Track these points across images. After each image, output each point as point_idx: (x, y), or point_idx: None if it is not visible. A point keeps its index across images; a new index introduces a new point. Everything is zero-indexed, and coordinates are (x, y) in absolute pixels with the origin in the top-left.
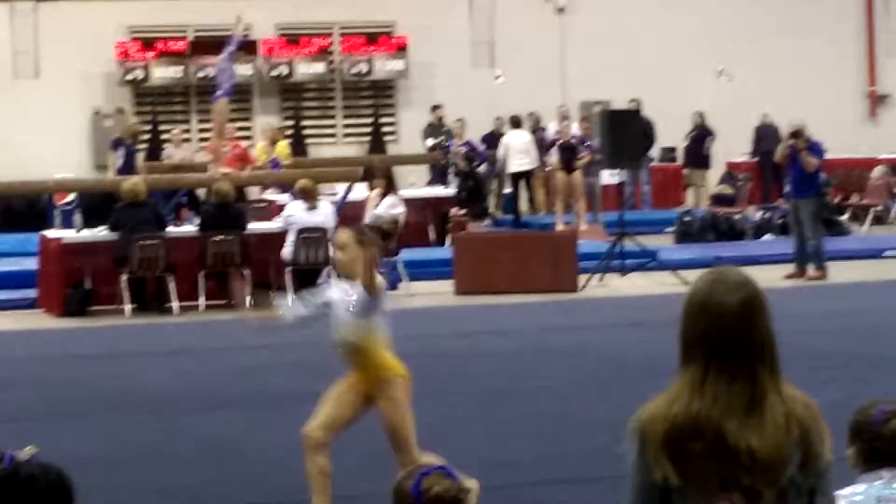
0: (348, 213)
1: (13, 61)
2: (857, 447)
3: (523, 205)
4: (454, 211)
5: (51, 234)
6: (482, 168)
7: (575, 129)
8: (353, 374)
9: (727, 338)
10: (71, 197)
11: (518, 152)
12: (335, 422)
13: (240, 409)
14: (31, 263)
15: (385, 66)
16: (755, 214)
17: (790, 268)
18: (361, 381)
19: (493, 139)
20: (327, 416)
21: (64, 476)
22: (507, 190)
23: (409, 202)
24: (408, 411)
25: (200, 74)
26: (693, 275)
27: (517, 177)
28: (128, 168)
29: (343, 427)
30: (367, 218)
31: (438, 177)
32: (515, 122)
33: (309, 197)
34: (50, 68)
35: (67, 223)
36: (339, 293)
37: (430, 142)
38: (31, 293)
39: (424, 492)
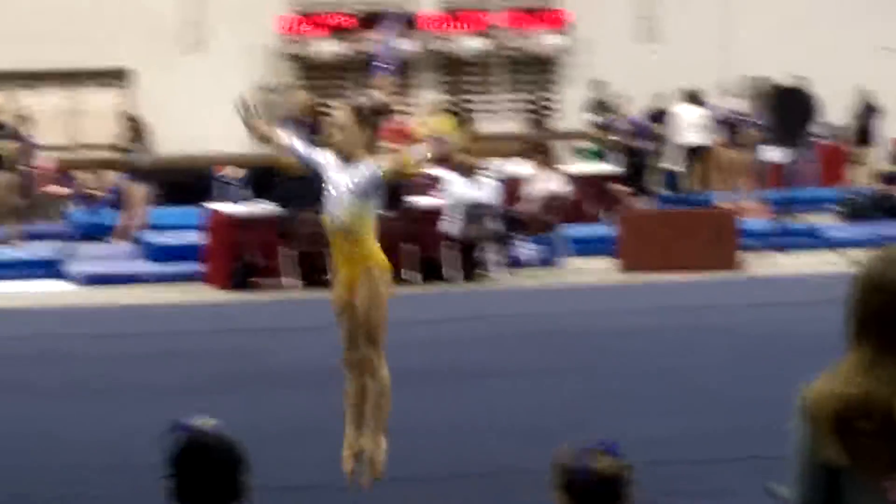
0: (510, 189)
1: (179, 36)
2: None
3: (693, 181)
4: (617, 187)
5: (217, 207)
6: (646, 144)
7: (739, 104)
8: (339, 270)
9: None
10: (238, 170)
11: (691, 126)
12: (355, 337)
13: (402, 383)
14: (197, 237)
15: (547, 41)
16: None
17: None
18: (347, 275)
19: (658, 115)
20: (347, 337)
21: (238, 447)
22: (673, 166)
23: (572, 178)
24: (387, 307)
25: (363, 50)
26: (859, 254)
27: (690, 151)
28: None
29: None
30: (530, 193)
31: (602, 153)
32: (691, 97)
33: (470, 172)
34: (215, 42)
35: (232, 197)
36: (336, 169)
37: (593, 118)
38: (197, 266)
39: (587, 467)
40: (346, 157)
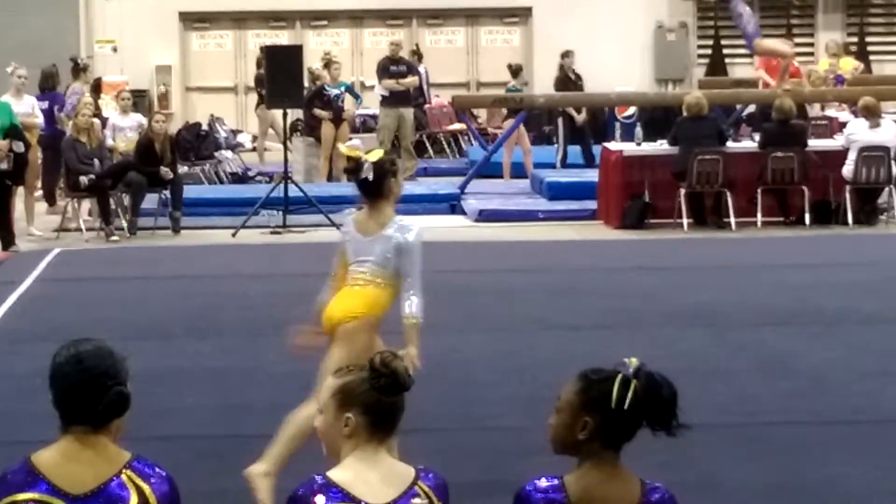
0: None
1: None
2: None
3: None
4: None
5: (612, 146)
6: None
7: None
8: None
9: None
10: (632, 110)
11: None
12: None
13: (794, 326)
14: (592, 175)
15: None
16: None
17: None
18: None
19: None
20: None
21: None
22: None
23: None
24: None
25: None
26: None
27: None
28: None
29: None
30: None
31: None
32: None
33: (872, 115)
34: None
35: (629, 136)
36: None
37: None
38: (591, 204)
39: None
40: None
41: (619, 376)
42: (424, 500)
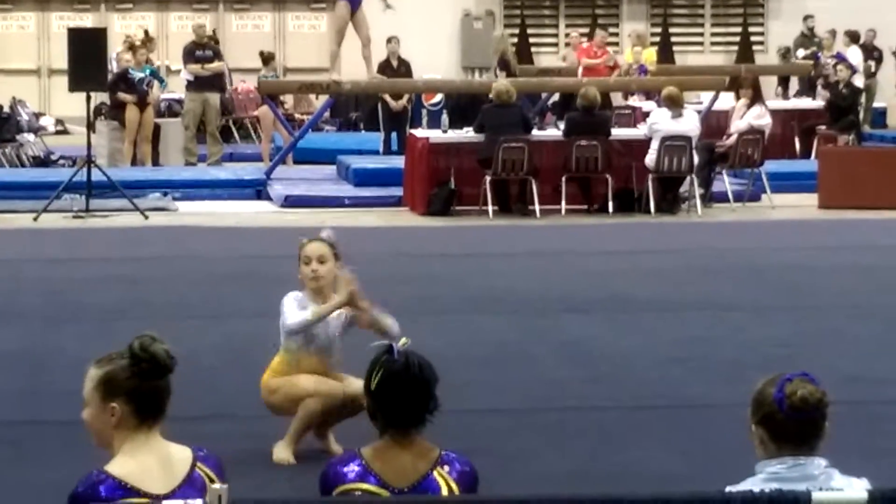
0: (713, 123)
1: None
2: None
3: None
4: (819, 124)
5: (418, 133)
6: (856, 80)
7: None
8: (305, 376)
9: None
10: (438, 97)
11: None
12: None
13: (596, 312)
14: (397, 162)
15: None
16: None
17: None
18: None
19: (870, 51)
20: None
21: (430, 367)
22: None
23: (775, 113)
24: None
25: None
26: None
27: None
28: None
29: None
30: (732, 127)
31: (806, 89)
32: None
33: (675, 105)
34: None
35: (434, 123)
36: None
37: (801, 53)
38: (397, 191)
39: (788, 396)
40: (320, 291)
41: (378, 359)
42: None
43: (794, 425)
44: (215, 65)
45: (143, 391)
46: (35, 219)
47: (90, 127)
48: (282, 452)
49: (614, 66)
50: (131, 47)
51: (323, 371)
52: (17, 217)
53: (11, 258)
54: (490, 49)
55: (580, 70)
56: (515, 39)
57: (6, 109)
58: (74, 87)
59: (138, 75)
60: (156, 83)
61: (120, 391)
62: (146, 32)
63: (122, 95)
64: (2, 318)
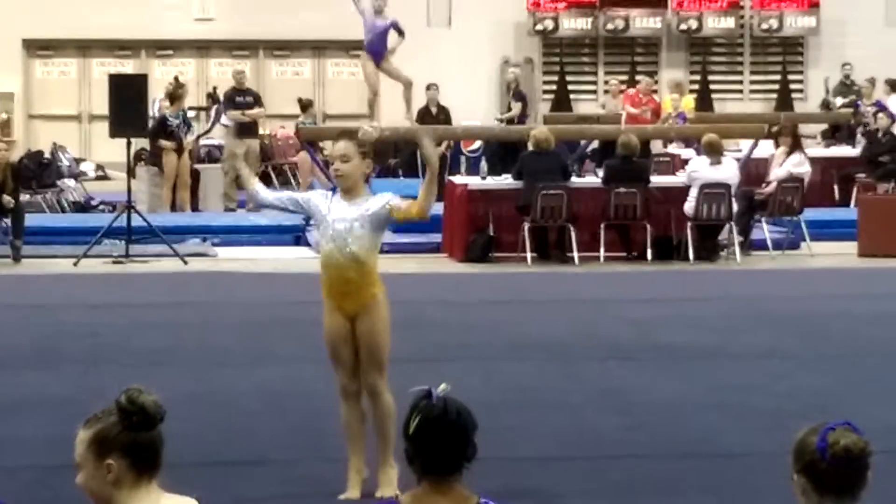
0: (752, 170)
1: (427, 9)
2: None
3: None
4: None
5: (457, 180)
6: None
7: None
8: (336, 303)
9: None
10: (477, 144)
11: None
12: (355, 367)
13: (635, 360)
14: (436, 208)
15: (796, 22)
16: None
17: None
18: (348, 306)
19: None
20: (347, 367)
21: (470, 413)
22: None
23: (815, 161)
24: (389, 332)
25: (609, 26)
26: None
27: None
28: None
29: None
30: (772, 175)
31: (846, 137)
32: None
33: (714, 152)
34: (462, 17)
35: (473, 170)
36: (339, 203)
37: (839, 101)
38: (436, 237)
39: (831, 446)
40: (349, 191)
41: (417, 404)
42: None
43: (836, 475)
44: (255, 111)
45: (137, 444)
46: (75, 264)
47: (130, 173)
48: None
49: (657, 113)
50: (171, 95)
51: (338, 260)
52: (57, 262)
53: (52, 303)
54: (529, 96)
55: (623, 117)
56: (555, 87)
57: (47, 155)
58: (115, 132)
59: (175, 121)
60: (185, 127)
61: (114, 447)
62: (176, 79)
63: (163, 142)
64: (43, 363)
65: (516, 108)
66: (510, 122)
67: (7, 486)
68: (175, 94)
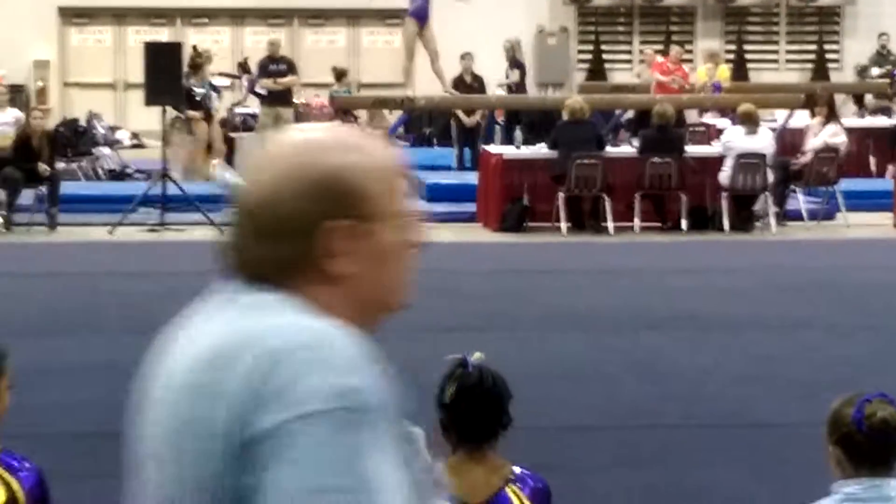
0: (787, 140)
1: None
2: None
3: None
4: None
5: (492, 149)
6: None
7: None
8: None
9: None
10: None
11: None
12: None
13: (669, 330)
14: (471, 178)
15: None
16: None
17: None
18: None
19: None
20: None
21: (505, 383)
22: None
23: (851, 131)
24: None
25: None
26: None
27: None
28: None
29: None
30: (807, 145)
31: (882, 107)
32: None
33: (750, 122)
34: None
35: (508, 139)
36: None
37: (875, 71)
38: (471, 207)
39: (867, 417)
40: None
41: (452, 372)
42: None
43: (872, 446)
44: (288, 79)
45: None
46: (110, 232)
47: (165, 140)
48: None
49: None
50: (192, 65)
51: None
52: (93, 230)
53: (88, 271)
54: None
55: (652, 85)
56: (590, 56)
57: (82, 123)
58: (150, 100)
59: (200, 91)
60: (214, 95)
61: None
62: (195, 48)
63: (190, 112)
64: (83, 330)
65: (513, 74)
66: (509, 88)
67: (45, 452)
68: (195, 63)
